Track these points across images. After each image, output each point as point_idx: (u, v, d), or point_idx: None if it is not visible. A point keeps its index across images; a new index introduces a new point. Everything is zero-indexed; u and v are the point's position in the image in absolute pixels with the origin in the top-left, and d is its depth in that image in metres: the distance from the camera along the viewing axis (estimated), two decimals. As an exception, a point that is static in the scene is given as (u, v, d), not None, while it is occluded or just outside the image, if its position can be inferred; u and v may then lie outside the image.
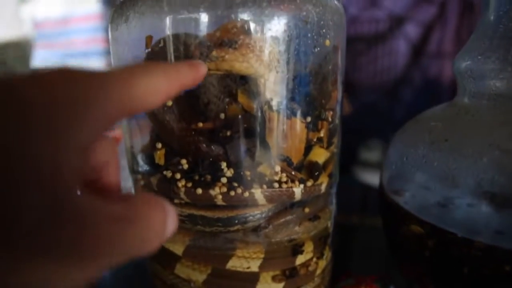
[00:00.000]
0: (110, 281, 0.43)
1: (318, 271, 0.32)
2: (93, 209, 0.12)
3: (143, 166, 0.29)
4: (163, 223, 0.14)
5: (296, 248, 0.29)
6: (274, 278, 0.29)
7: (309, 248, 0.30)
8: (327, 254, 0.33)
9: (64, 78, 0.12)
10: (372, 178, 0.87)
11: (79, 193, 0.12)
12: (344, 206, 0.43)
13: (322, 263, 0.32)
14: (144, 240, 0.13)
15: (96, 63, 2.76)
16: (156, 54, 0.25)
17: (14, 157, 0.10)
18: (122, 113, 0.13)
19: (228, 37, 0.22)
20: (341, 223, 0.50)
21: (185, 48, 0.24)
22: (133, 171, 0.30)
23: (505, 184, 0.24)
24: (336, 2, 0.28)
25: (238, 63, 0.23)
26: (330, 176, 0.30)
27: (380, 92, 2.20)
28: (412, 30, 2.19)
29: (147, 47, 0.25)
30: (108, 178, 0.17)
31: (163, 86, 0.15)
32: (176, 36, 0.24)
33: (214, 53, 0.22)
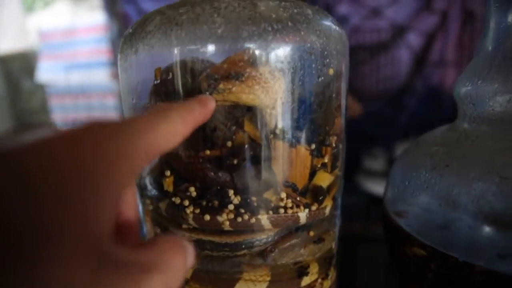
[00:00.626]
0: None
1: (323, 291, 0.32)
2: (127, 262, 0.13)
3: (151, 191, 0.30)
4: (185, 264, 0.15)
5: (302, 270, 0.30)
6: (280, 300, 0.29)
7: (314, 269, 0.30)
8: (332, 274, 0.34)
9: (93, 136, 0.12)
10: (375, 186, 0.88)
11: (112, 245, 0.12)
12: (348, 214, 0.44)
13: (327, 283, 0.33)
14: (170, 282, 0.14)
15: (100, 74, 2.78)
16: (164, 84, 0.26)
17: (55, 226, 0.11)
18: (147, 160, 0.14)
19: (235, 70, 0.23)
20: (345, 231, 0.50)
21: (192, 76, 0.25)
22: (142, 195, 0.31)
23: (505, 209, 0.25)
24: (338, 29, 0.29)
25: (245, 95, 0.23)
26: (334, 199, 0.31)
27: (384, 100, 2.20)
28: (414, 39, 2.20)
29: (156, 78, 0.26)
30: (127, 214, 0.18)
31: (180, 128, 0.16)
32: (183, 63, 0.25)
33: (221, 85, 0.23)
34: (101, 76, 2.76)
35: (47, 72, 3.02)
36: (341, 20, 2.04)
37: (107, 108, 2.87)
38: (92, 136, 0.12)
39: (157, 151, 0.15)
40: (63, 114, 3.12)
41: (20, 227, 0.10)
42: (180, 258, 0.15)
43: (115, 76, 2.70)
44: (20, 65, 3.59)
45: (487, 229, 0.26)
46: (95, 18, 2.81)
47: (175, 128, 0.16)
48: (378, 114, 2.08)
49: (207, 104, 0.19)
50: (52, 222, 0.11)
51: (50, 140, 0.12)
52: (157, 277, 0.13)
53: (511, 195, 0.24)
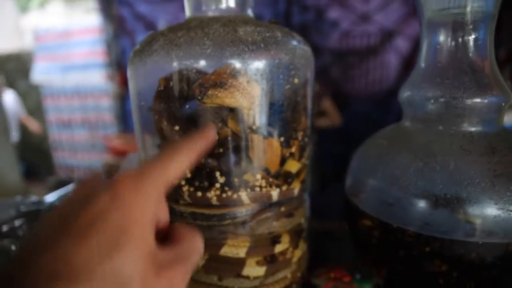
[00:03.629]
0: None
1: (295, 259, 0.40)
2: (173, 258, 0.20)
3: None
4: (201, 247, 0.22)
5: (275, 239, 0.37)
6: (258, 263, 0.36)
7: (285, 239, 0.38)
8: (302, 245, 0.41)
9: (135, 188, 0.19)
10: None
11: (159, 252, 0.19)
12: (337, 213, 0.50)
13: (298, 253, 0.40)
14: (194, 264, 0.21)
15: (95, 75, 2.81)
16: (166, 90, 0.33)
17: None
18: (166, 188, 0.21)
19: (220, 80, 0.31)
20: (334, 230, 0.56)
21: (188, 84, 0.32)
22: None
23: (427, 187, 0.32)
24: (304, 47, 0.36)
25: (228, 99, 0.31)
26: (302, 182, 0.39)
27: (373, 103, 2.27)
28: (402, 44, 2.27)
29: (159, 86, 0.33)
30: (162, 221, 0.24)
31: (188, 161, 0.23)
32: (181, 74, 0.32)
33: (210, 92, 0.31)
34: (96, 78, 2.81)
35: (42, 73, 3.06)
36: (331, 25, 2.12)
37: (101, 109, 2.92)
38: (126, 193, 0.19)
39: (172, 180, 0.21)
40: (57, 115, 3.17)
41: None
42: (200, 243, 0.22)
43: (110, 77, 2.76)
44: (15, 66, 3.63)
45: (418, 203, 0.33)
46: (90, 20, 2.86)
47: (184, 162, 0.22)
48: (366, 116, 2.16)
49: (208, 136, 0.24)
50: (121, 238, 0.18)
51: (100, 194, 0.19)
52: (193, 261, 0.21)
53: (431, 176, 0.32)
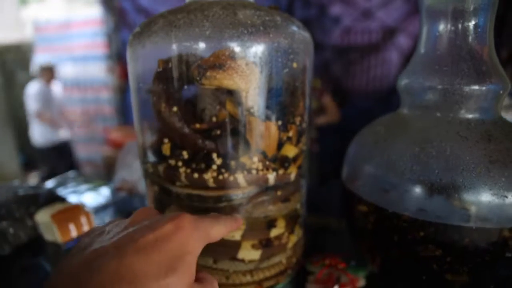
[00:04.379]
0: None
1: (290, 244, 0.40)
2: None
3: (151, 158, 0.37)
4: None
5: (271, 223, 0.37)
6: (253, 246, 0.37)
7: (281, 224, 0.38)
8: (298, 231, 0.42)
9: (194, 226, 0.23)
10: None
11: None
12: (335, 209, 0.50)
13: (293, 238, 0.41)
14: None
15: (96, 67, 2.80)
16: (165, 72, 0.33)
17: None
18: (207, 242, 0.24)
19: (219, 62, 0.31)
20: (333, 225, 0.57)
21: (187, 66, 0.32)
22: (143, 162, 0.39)
23: (424, 173, 0.33)
24: (303, 33, 0.37)
25: (226, 81, 0.31)
26: (299, 167, 0.39)
27: (374, 99, 2.27)
28: (404, 41, 2.27)
29: (158, 67, 0.33)
30: None
31: (222, 231, 0.26)
32: (180, 56, 0.32)
33: (208, 73, 0.31)
34: (96, 70, 2.80)
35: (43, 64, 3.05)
36: (333, 21, 2.11)
37: (101, 102, 2.92)
38: (188, 226, 0.23)
39: (210, 240, 0.24)
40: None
41: None
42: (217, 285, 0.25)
43: (110, 70, 2.76)
44: (15, 57, 3.62)
45: (413, 188, 0.33)
46: (91, 12, 2.85)
47: (221, 229, 0.25)
48: (367, 113, 2.16)
49: (239, 221, 0.28)
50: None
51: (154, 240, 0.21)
52: None
53: (427, 161, 0.32)
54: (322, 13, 2.11)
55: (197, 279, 0.24)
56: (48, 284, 0.20)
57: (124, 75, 2.64)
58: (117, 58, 2.67)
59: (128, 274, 0.19)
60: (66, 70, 2.92)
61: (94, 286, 0.19)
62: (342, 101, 2.04)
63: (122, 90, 2.74)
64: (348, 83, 2.15)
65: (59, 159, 2.57)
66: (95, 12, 2.71)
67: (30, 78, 3.26)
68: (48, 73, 2.54)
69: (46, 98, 2.47)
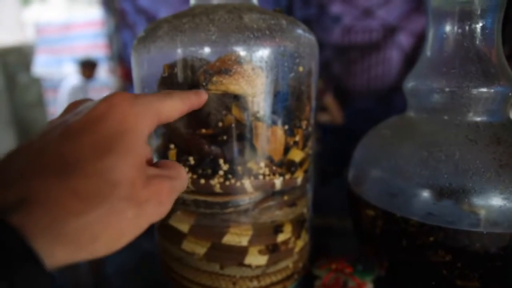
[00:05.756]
0: (116, 273, 0.49)
1: (297, 249, 0.40)
2: (161, 174, 0.21)
3: (157, 163, 0.37)
4: (187, 175, 0.23)
5: (277, 228, 0.37)
6: (260, 252, 0.36)
7: (288, 229, 0.38)
8: (304, 236, 0.41)
9: (131, 102, 0.20)
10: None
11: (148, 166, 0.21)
12: (337, 208, 0.49)
13: (300, 243, 0.40)
14: (183, 186, 0.22)
15: (97, 69, 2.79)
16: (170, 77, 0.33)
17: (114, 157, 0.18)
18: (156, 122, 0.22)
19: (224, 67, 0.31)
20: (335, 225, 0.57)
21: (192, 71, 0.32)
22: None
23: (432, 177, 0.32)
24: (308, 36, 0.36)
25: (232, 86, 0.31)
26: (305, 172, 0.38)
27: (374, 98, 2.27)
28: (404, 40, 2.27)
29: (164, 72, 0.33)
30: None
31: (179, 106, 0.24)
32: (185, 61, 0.32)
33: (214, 78, 0.31)
34: (98, 71, 2.81)
35: (43, 66, 3.06)
36: (333, 20, 2.11)
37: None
38: (122, 103, 0.20)
39: (162, 117, 0.22)
40: (58, 108, 3.17)
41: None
42: (185, 172, 0.23)
43: (111, 71, 2.76)
44: (16, 59, 3.62)
45: (422, 193, 0.33)
46: (92, 13, 2.85)
47: (175, 104, 0.23)
48: (368, 112, 2.16)
49: (201, 95, 0.27)
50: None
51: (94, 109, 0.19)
52: (179, 182, 0.22)
53: (435, 166, 0.32)
54: (322, 12, 2.11)
55: (160, 164, 0.22)
56: None
57: (125, 76, 2.64)
58: (118, 59, 2.67)
59: (56, 162, 0.17)
60: (68, 71, 2.92)
61: (16, 180, 0.16)
62: (343, 101, 2.04)
63: (124, 91, 2.74)
64: (349, 82, 2.14)
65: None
66: (96, 13, 2.71)
67: (31, 79, 3.26)
68: (89, 68, 2.49)
69: (83, 95, 2.46)
